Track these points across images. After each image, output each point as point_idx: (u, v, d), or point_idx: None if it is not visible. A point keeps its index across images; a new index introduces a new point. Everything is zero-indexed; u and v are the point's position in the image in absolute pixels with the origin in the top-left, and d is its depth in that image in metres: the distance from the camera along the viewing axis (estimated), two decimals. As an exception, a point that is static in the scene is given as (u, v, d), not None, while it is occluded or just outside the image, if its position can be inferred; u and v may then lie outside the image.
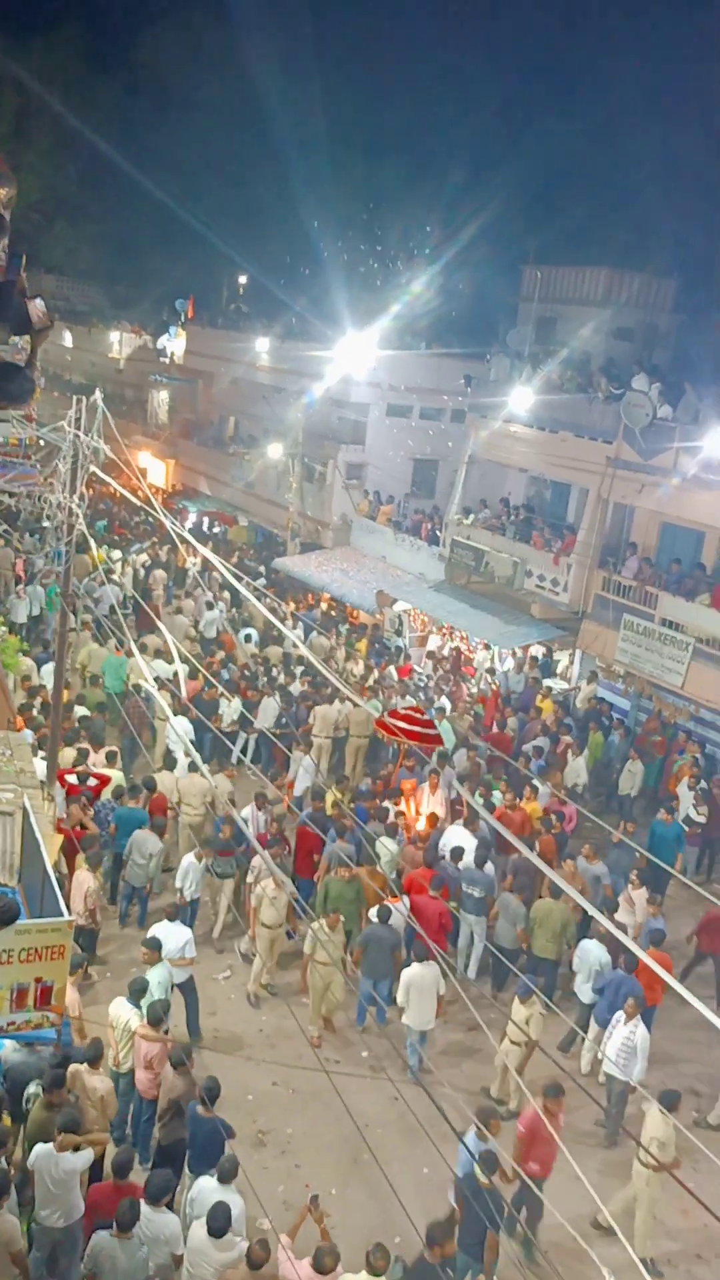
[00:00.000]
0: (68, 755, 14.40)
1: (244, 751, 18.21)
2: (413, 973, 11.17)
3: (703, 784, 16.64)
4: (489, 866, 13.22)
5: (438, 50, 39.24)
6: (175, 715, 16.16)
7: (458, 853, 13.41)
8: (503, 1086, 11.27)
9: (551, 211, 32.34)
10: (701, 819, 15.90)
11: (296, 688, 19.46)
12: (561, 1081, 9.31)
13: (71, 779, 13.84)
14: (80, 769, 14.15)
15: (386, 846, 13.53)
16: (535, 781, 15.88)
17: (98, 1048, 9.15)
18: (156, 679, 17.62)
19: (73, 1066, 8.86)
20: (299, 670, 20.26)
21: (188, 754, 15.42)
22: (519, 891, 12.99)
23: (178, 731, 14.96)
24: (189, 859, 12.83)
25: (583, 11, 37.09)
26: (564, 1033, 12.08)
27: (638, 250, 28.73)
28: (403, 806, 15.21)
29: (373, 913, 12.12)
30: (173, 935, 10.99)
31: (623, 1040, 10.48)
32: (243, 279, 43.75)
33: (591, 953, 12.07)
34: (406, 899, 12.17)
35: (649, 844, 14.70)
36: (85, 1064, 8.96)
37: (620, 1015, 10.59)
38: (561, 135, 33.84)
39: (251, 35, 37.08)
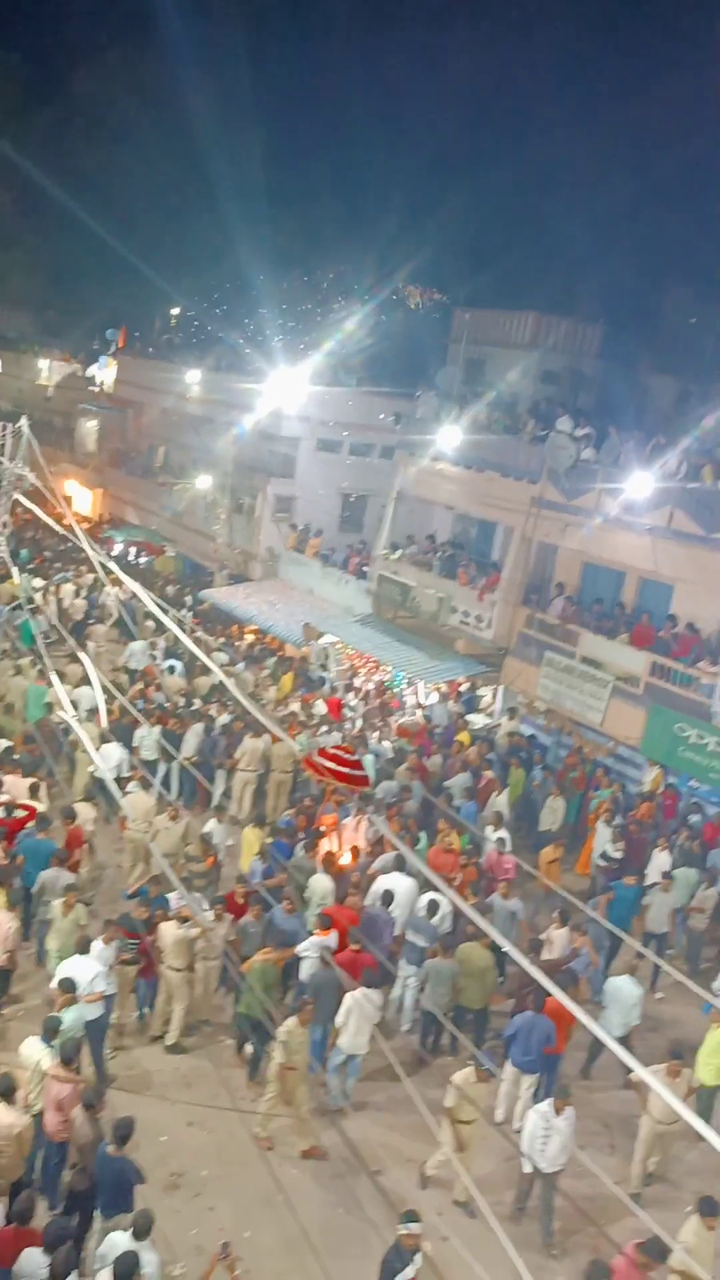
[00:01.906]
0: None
1: (165, 783, 17.99)
2: (355, 998, 11.04)
3: (618, 820, 16.88)
4: (439, 917, 12.98)
5: (372, 96, 40.14)
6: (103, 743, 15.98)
7: (388, 897, 13.19)
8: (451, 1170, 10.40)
9: (482, 255, 33.10)
10: (619, 855, 16.10)
11: (225, 718, 19.33)
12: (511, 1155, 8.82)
13: (-1, 811, 13.60)
14: (6, 799, 13.86)
15: (314, 887, 13.35)
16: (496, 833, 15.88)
17: (9, 1082, 8.90)
18: (75, 705, 17.41)
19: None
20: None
21: (118, 779, 15.28)
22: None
23: (97, 761, 14.69)
24: (98, 944, 11.36)
25: (515, 63, 38.19)
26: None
27: (565, 296, 29.52)
28: (325, 842, 15.11)
29: (318, 949, 11.96)
30: (83, 969, 10.76)
31: (566, 1135, 9.83)
32: (175, 310, 43.85)
33: (624, 989, 12.09)
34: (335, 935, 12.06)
35: (615, 908, 14.29)
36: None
37: (548, 1110, 9.83)
38: (493, 182, 34.75)
39: (189, 73, 37.52)
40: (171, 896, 12.54)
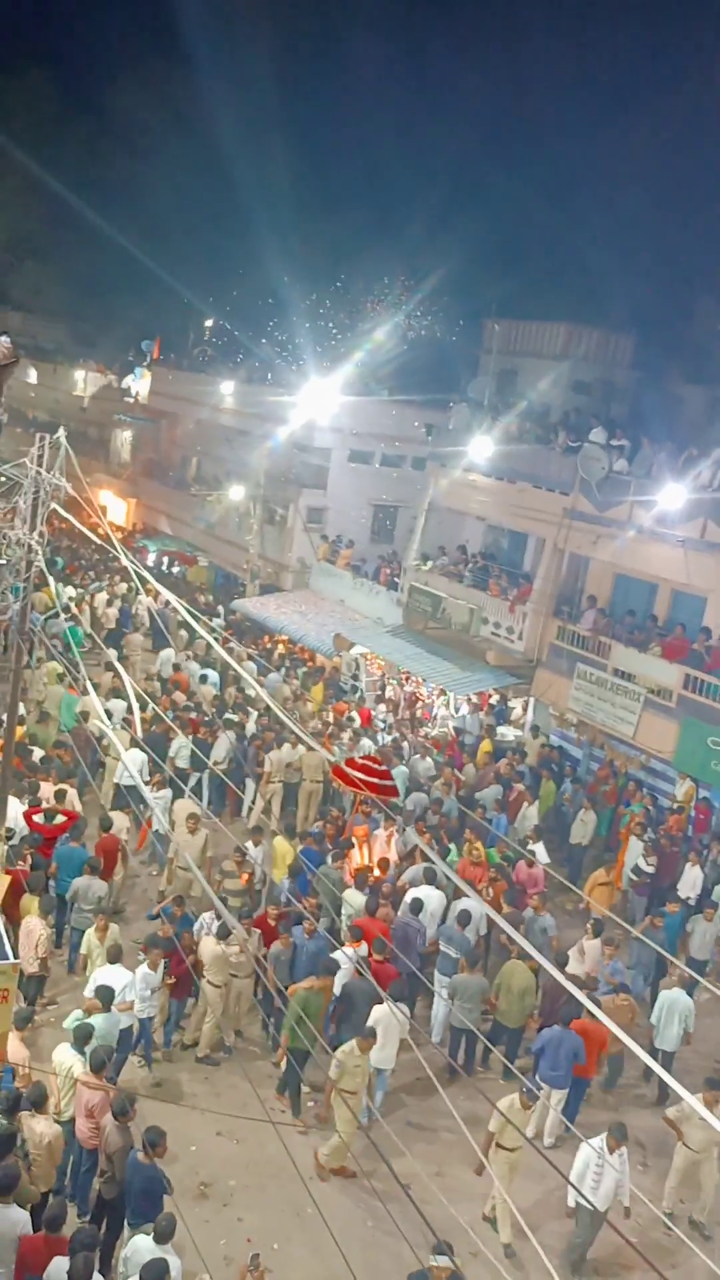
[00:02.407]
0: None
1: (196, 792, 18.05)
2: (384, 1011, 11.03)
3: (649, 834, 16.76)
4: (470, 928, 12.95)
5: (398, 106, 40.31)
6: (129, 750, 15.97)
7: (416, 905, 13.20)
8: (503, 1213, 10.12)
9: (511, 264, 33.10)
10: (650, 869, 15.99)
11: (252, 726, 19.39)
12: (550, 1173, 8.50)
13: (38, 818, 13.70)
14: (47, 807, 13.98)
15: (350, 901, 13.38)
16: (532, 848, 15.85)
17: (41, 1090, 8.97)
18: (110, 715, 17.50)
19: (20, 1113, 8.68)
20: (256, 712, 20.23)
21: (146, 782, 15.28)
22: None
23: (130, 770, 14.69)
24: (143, 968, 11.28)
25: (542, 72, 38.20)
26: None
27: (596, 307, 29.42)
28: (356, 854, 15.08)
29: (351, 964, 11.90)
30: (115, 979, 10.82)
31: (620, 1173, 9.62)
32: (209, 322, 44.16)
33: (680, 1001, 12.27)
34: (365, 946, 12.05)
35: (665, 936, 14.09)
36: (31, 1108, 8.78)
37: (601, 1147, 9.56)
38: (521, 190, 34.75)
39: (218, 88, 37.91)
40: (206, 916, 12.49)
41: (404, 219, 37.84)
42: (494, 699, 22.99)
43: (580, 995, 6.08)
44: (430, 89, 40.99)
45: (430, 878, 13.91)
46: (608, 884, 15.74)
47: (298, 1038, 10.98)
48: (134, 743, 16.48)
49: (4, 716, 12.37)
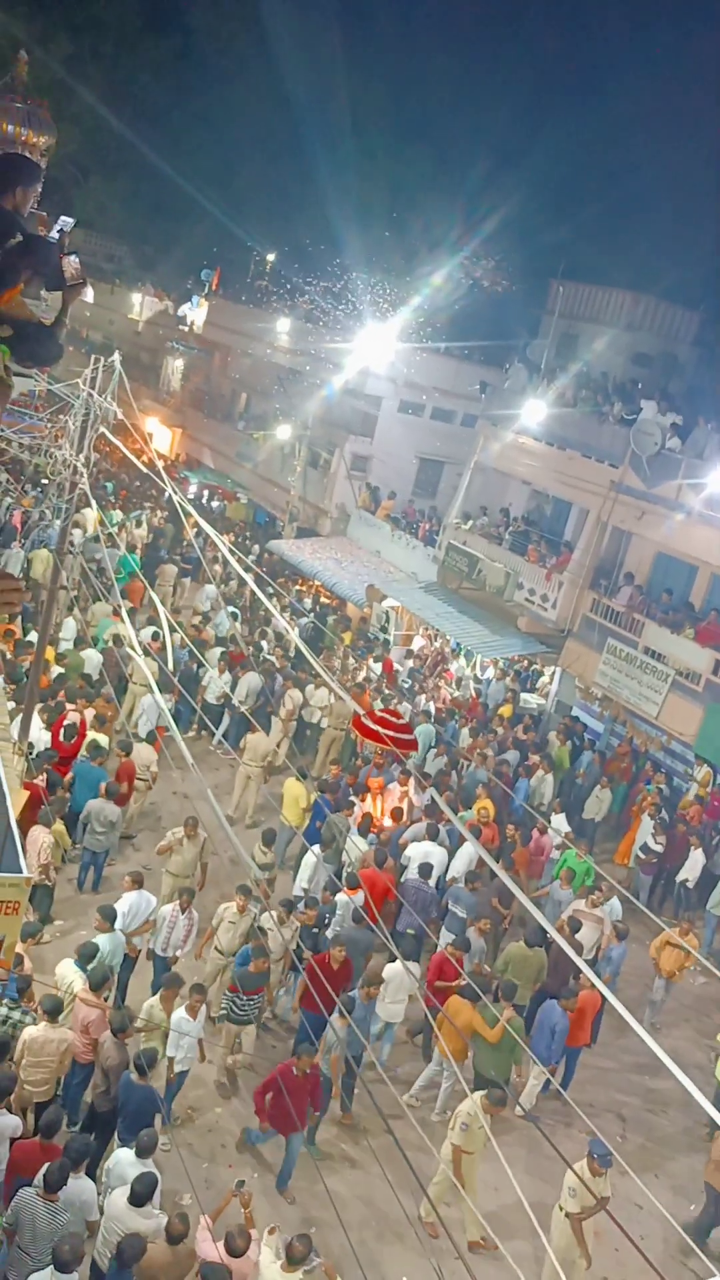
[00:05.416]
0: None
1: (225, 732, 18.22)
2: (397, 968, 11.19)
3: (663, 814, 16.78)
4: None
5: (465, 46, 39.32)
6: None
7: (426, 869, 13.27)
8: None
9: (577, 222, 32.34)
10: (659, 848, 16.03)
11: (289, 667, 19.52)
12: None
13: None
14: (68, 722, 14.13)
15: (357, 845, 13.49)
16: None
17: (57, 1002, 9.18)
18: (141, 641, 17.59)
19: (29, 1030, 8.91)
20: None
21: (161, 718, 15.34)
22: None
23: (159, 701, 14.72)
24: (180, 1014, 9.82)
25: (614, 25, 37.02)
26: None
27: (663, 276, 28.74)
28: (368, 804, 15.19)
29: (348, 911, 12.00)
30: (140, 904, 11.06)
31: None
32: (271, 257, 43.65)
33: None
34: (364, 893, 12.17)
35: None
36: (45, 1017, 9.01)
37: None
38: (592, 140, 33.80)
39: (291, 21, 37.13)
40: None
41: (465, 162, 37.06)
42: (519, 665, 22.93)
43: (587, 970, 6.12)
44: (497, 29, 39.67)
45: (433, 834, 13.98)
46: (672, 947, 13.47)
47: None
48: (162, 671, 16.55)
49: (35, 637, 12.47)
